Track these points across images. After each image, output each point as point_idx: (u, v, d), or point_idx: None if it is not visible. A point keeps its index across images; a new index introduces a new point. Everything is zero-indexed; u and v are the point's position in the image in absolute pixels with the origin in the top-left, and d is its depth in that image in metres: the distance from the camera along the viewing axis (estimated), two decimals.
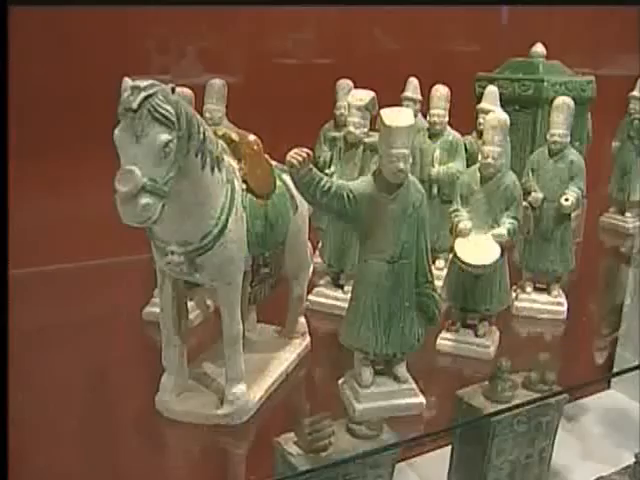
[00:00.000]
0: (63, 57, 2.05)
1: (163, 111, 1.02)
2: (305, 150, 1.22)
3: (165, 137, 1.02)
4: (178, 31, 2.34)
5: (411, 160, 1.28)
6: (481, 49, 2.93)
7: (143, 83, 1.01)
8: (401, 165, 1.25)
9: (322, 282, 1.91)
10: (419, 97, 2.20)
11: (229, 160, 1.30)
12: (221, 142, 1.28)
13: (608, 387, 3.40)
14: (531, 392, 1.54)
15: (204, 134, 1.14)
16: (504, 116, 1.60)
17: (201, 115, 1.84)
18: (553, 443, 1.69)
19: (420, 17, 2.64)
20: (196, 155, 1.13)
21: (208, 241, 1.20)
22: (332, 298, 1.84)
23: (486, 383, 1.51)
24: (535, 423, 1.70)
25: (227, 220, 1.22)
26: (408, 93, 2.19)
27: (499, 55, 2.60)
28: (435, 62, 2.61)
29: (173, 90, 1.05)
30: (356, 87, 1.99)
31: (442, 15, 2.70)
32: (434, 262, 2.01)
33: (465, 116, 2.17)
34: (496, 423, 1.60)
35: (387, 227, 1.29)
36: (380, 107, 1.38)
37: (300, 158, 1.21)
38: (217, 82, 1.90)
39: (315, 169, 1.24)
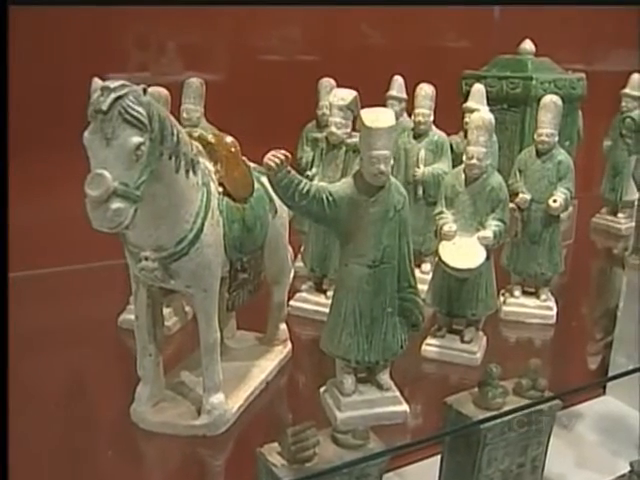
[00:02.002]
0: (62, 56, 2.08)
1: (134, 113, 1.03)
2: (283, 152, 1.23)
3: (137, 140, 1.03)
4: (157, 28, 2.35)
5: (392, 162, 1.29)
6: (469, 46, 2.96)
7: (113, 84, 1.02)
8: (382, 167, 1.26)
9: (304, 287, 1.92)
10: (404, 96, 2.22)
11: (205, 163, 1.31)
12: (196, 144, 1.30)
13: (603, 393, 3.43)
14: (523, 399, 1.55)
15: (178, 136, 1.15)
16: (489, 116, 1.61)
17: (178, 115, 1.87)
18: (546, 451, 1.70)
19: (405, 13, 2.66)
20: (170, 158, 1.14)
21: (183, 246, 1.21)
22: (314, 303, 1.85)
23: (476, 390, 1.52)
24: (527, 431, 1.71)
25: (203, 224, 1.23)
26: (393, 92, 2.21)
27: (487, 52, 2.63)
28: (421, 60, 2.62)
29: (145, 91, 1.05)
30: (339, 86, 1.99)
31: (428, 11, 2.72)
32: (420, 266, 2.04)
33: (453, 115, 2.19)
34: (486, 431, 1.60)
35: (368, 230, 1.30)
36: (364, 106, 1.39)
37: (277, 160, 1.22)
38: (195, 81, 1.91)
39: (293, 171, 1.25)
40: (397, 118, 2.14)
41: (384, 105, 2.17)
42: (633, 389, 2.98)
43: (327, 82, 2.18)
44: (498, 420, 1.62)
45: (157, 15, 2.23)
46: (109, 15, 2.10)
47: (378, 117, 1.27)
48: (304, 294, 1.90)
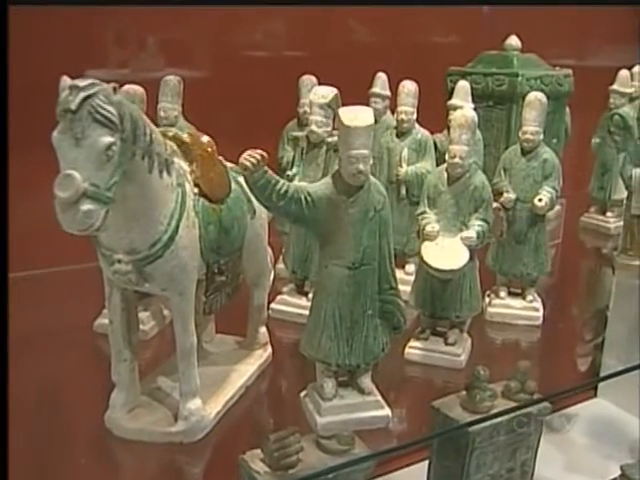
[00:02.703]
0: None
1: (105, 112, 1.03)
2: (259, 151, 1.23)
3: (107, 140, 1.03)
4: (137, 26, 2.35)
5: (371, 161, 1.30)
6: (454, 42, 2.97)
7: (82, 82, 1.02)
8: (361, 167, 1.27)
9: (286, 289, 1.92)
10: (388, 93, 2.22)
11: (180, 163, 1.31)
12: (171, 144, 1.30)
13: (595, 395, 3.45)
14: (512, 402, 1.56)
15: (151, 136, 1.15)
16: (471, 113, 1.63)
17: (155, 114, 1.87)
18: (535, 455, 1.72)
19: (389, 9, 2.66)
20: (142, 158, 1.14)
21: (157, 249, 1.21)
22: (296, 306, 1.85)
23: (464, 393, 1.53)
24: (516, 434, 1.72)
25: (178, 226, 1.23)
26: (376, 89, 2.21)
27: (473, 48, 2.64)
28: (405, 56, 2.64)
29: (115, 90, 1.05)
30: (322, 83, 2.00)
31: (412, 6, 2.73)
32: (404, 267, 2.05)
33: (438, 113, 2.20)
34: (475, 435, 1.61)
35: (347, 231, 1.31)
36: (347, 104, 1.40)
37: (254, 160, 1.22)
38: (172, 79, 1.91)
39: (270, 171, 1.26)
40: (380, 116, 2.17)
41: (367, 103, 2.18)
42: (625, 391, 3.00)
43: (308, 79, 2.18)
44: (487, 423, 1.64)
45: (136, 13, 2.23)
46: (95, 14, 2.11)
47: (357, 116, 1.28)
48: (285, 296, 1.90)
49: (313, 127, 1.73)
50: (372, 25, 2.79)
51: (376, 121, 2.12)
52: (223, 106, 2.45)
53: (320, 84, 2.00)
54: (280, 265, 2.00)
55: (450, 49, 2.93)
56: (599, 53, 3.44)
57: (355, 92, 1.85)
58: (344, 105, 1.41)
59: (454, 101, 2.15)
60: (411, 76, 2.11)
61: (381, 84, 2.22)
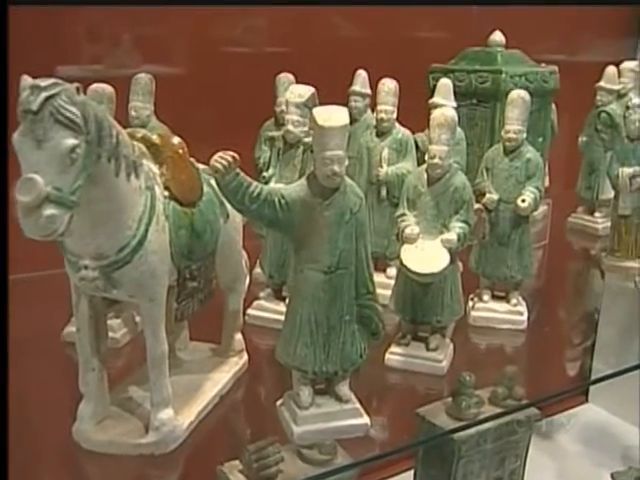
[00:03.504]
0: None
1: (68, 113, 1.02)
2: (230, 153, 1.24)
3: (70, 142, 1.03)
4: (110, 23, 2.35)
5: (347, 162, 1.30)
6: (437, 38, 2.99)
7: (44, 82, 1.02)
8: (336, 168, 1.28)
9: (263, 294, 1.92)
10: (368, 91, 2.22)
11: (149, 165, 1.31)
12: (139, 145, 1.30)
13: (586, 401, 3.47)
14: (499, 408, 1.57)
15: (117, 137, 1.15)
16: (451, 113, 1.63)
17: (126, 113, 1.86)
18: (525, 464, 1.73)
19: (370, 4, 2.68)
20: (109, 160, 1.14)
21: (125, 254, 1.21)
22: (273, 312, 1.86)
23: (449, 400, 1.54)
24: (504, 442, 1.73)
25: (147, 230, 1.23)
26: (356, 87, 2.22)
27: (457, 44, 2.66)
28: (387, 53, 2.64)
29: (79, 90, 1.05)
30: (299, 81, 2.01)
31: (397, 6, 2.74)
32: (385, 270, 2.06)
33: (421, 111, 2.21)
34: (461, 443, 1.62)
35: (323, 235, 1.31)
36: (325, 103, 1.41)
37: (225, 162, 1.23)
38: (143, 77, 1.91)
39: (242, 173, 1.26)
40: (361, 115, 2.18)
41: (347, 101, 2.19)
42: (617, 396, 3.03)
43: (285, 77, 2.19)
44: (473, 431, 1.65)
45: (114, 10, 2.23)
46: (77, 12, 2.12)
47: (331, 116, 1.28)
48: (262, 302, 1.91)
49: (289, 127, 1.74)
50: (352, 21, 2.80)
51: (356, 120, 2.18)
52: (199, 105, 2.46)
53: (298, 82, 2.01)
54: (257, 269, 2.00)
55: (433, 45, 2.94)
56: (586, 49, 3.47)
57: (335, 90, 1.86)
58: (323, 104, 1.41)
59: (436, 99, 2.16)
60: (393, 73, 2.12)
61: (361, 82, 2.23)
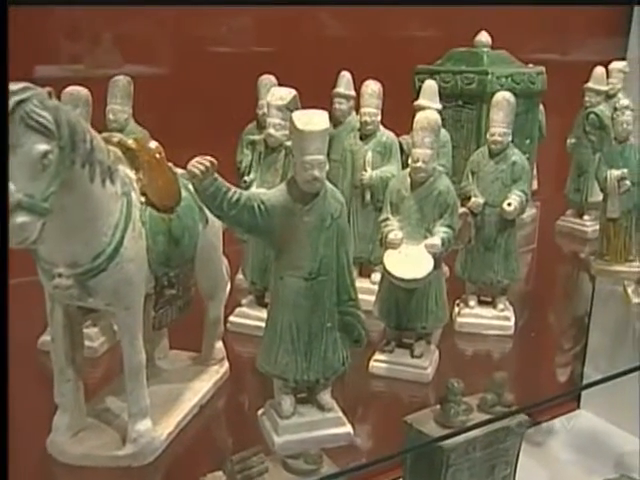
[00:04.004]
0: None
1: (39, 118, 1.02)
2: (208, 158, 1.24)
3: (42, 147, 1.03)
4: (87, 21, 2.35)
5: (327, 167, 1.31)
6: (423, 38, 3.00)
7: (15, 86, 1.01)
8: (316, 173, 1.28)
9: (245, 301, 1.93)
10: (353, 93, 2.22)
11: (125, 170, 1.31)
12: (115, 150, 1.30)
13: (578, 407, 3.49)
14: (488, 415, 1.58)
15: (91, 142, 1.15)
16: (435, 116, 1.64)
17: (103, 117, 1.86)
18: (515, 471, 1.74)
19: (354, 3, 2.69)
20: (83, 166, 1.14)
21: (101, 261, 1.21)
22: (255, 319, 1.85)
23: (437, 407, 1.54)
24: (494, 450, 1.74)
25: (122, 237, 1.23)
26: (340, 89, 2.21)
27: (443, 44, 2.67)
28: (371, 54, 2.65)
29: (51, 94, 1.05)
30: (282, 83, 2.02)
31: (386, 6, 2.75)
32: (370, 276, 2.07)
33: (408, 113, 2.22)
34: (449, 451, 1.63)
35: (303, 240, 1.32)
36: (309, 105, 1.41)
37: (202, 167, 1.23)
38: (121, 79, 1.91)
39: (220, 178, 1.27)
40: (345, 117, 2.19)
41: (331, 103, 2.19)
42: (609, 402, 3.05)
43: (267, 79, 2.19)
44: (461, 439, 1.65)
45: (93, 9, 2.23)
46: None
47: (311, 119, 1.29)
48: (244, 309, 1.91)
49: (271, 130, 1.74)
50: (336, 21, 2.80)
51: (340, 122, 2.19)
52: (180, 107, 2.46)
53: (281, 84, 2.01)
54: (239, 275, 2.00)
55: (419, 45, 2.95)
56: (575, 49, 3.49)
57: (318, 92, 1.87)
58: (306, 106, 1.42)
59: (421, 101, 2.17)
60: (378, 75, 2.13)
61: (345, 83, 2.23)
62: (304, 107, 1.48)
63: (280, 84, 2.03)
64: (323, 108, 1.36)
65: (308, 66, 2.45)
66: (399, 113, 2.10)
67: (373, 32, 2.82)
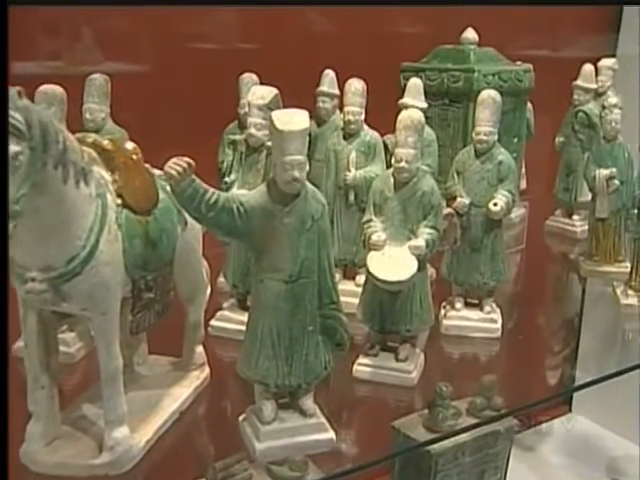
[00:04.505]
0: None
1: (9, 118, 1.02)
2: (185, 159, 1.24)
3: (13, 149, 1.02)
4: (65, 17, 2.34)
5: (307, 168, 1.31)
6: (409, 35, 3.00)
7: None
8: (296, 174, 1.28)
9: (226, 304, 1.93)
10: (336, 92, 2.22)
11: (100, 172, 1.30)
12: (89, 151, 1.29)
13: (569, 410, 3.51)
14: (477, 419, 1.58)
15: (64, 143, 1.15)
16: (418, 115, 1.65)
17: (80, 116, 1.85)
18: (505, 477, 1.74)
19: (340, 3, 2.69)
20: (55, 167, 1.13)
21: (75, 265, 1.21)
22: (237, 322, 1.84)
23: (426, 412, 1.54)
24: (483, 455, 1.74)
25: (98, 240, 1.23)
26: (324, 87, 2.22)
27: (430, 41, 2.67)
28: (356, 51, 2.65)
29: (20, 94, 1.05)
30: (263, 82, 2.01)
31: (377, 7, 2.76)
32: (354, 278, 2.07)
33: (394, 112, 2.22)
34: (437, 456, 1.63)
35: (283, 243, 1.32)
36: (291, 104, 1.41)
37: (179, 168, 1.23)
38: (98, 78, 1.90)
39: (198, 180, 1.27)
40: (329, 116, 2.20)
41: (314, 102, 2.20)
42: (601, 405, 3.06)
43: (249, 78, 2.18)
44: (450, 443, 1.66)
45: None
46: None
47: (291, 119, 1.29)
48: (226, 312, 1.91)
49: (252, 130, 1.74)
50: (320, 18, 2.80)
51: (324, 122, 2.19)
52: (160, 106, 2.45)
53: (263, 82, 2.01)
54: (221, 278, 2.00)
55: (404, 43, 2.94)
56: (563, 46, 3.50)
57: (301, 91, 1.87)
58: (289, 105, 1.42)
59: (405, 100, 2.18)
60: (362, 73, 2.13)
61: (329, 82, 2.24)
62: (287, 106, 1.48)
63: (262, 83, 2.03)
64: (306, 107, 1.36)
65: (291, 64, 2.45)
66: (385, 112, 2.11)
67: (357, 29, 2.81)
